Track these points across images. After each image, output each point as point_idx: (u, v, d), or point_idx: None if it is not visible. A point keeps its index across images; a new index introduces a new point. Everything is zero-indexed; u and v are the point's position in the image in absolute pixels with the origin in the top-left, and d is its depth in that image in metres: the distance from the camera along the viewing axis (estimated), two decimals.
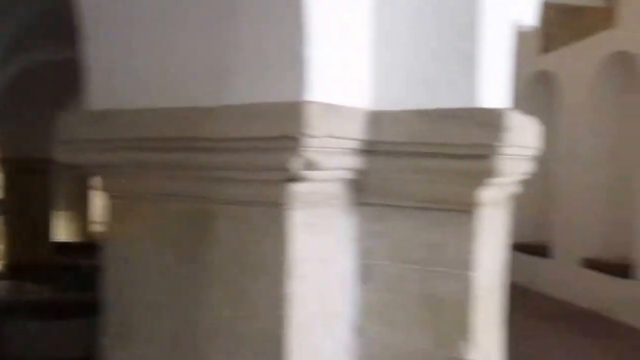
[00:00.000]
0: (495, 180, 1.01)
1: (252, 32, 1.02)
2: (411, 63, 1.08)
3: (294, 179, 0.96)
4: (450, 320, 1.06)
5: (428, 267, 1.08)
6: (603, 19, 5.48)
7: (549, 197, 6.38)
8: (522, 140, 1.07)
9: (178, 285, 1.15)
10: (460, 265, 1.04)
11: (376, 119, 1.03)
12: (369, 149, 1.05)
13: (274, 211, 1.00)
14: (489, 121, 0.94)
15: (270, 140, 0.95)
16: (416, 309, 1.09)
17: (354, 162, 1.06)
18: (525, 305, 5.67)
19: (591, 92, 5.63)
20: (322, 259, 1.07)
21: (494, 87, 1.18)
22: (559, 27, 6.20)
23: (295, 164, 0.93)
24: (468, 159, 0.98)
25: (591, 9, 5.63)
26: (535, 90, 6.77)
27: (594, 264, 5.45)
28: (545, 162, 6.41)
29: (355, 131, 1.02)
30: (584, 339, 4.51)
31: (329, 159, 0.97)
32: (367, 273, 1.14)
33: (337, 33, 1.03)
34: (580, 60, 5.80)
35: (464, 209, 1.03)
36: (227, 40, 1.05)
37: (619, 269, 5.09)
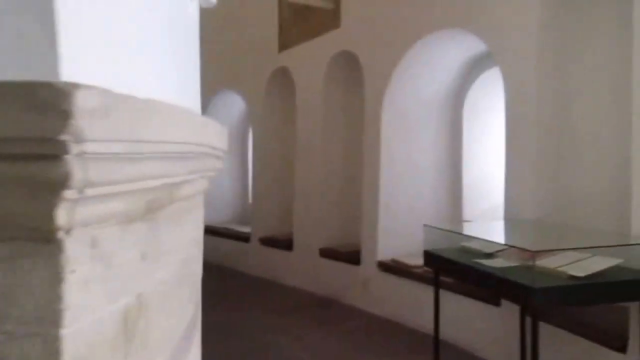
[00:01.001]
0: (85, 191, 0.69)
1: None
2: None
3: None
4: None
5: None
6: (331, 20, 5.76)
7: (293, 191, 6.54)
8: (135, 132, 0.78)
9: None
10: (42, 320, 0.70)
11: None
12: None
13: None
14: (52, 103, 0.61)
15: None
16: None
17: None
18: (266, 300, 5.71)
19: (321, 88, 5.90)
20: None
21: (114, 60, 0.87)
22: (295, 26, 6.38)
23: None
24: (29, 161, 0.64)
25: (321, 10, 5.88)
26: (277, 87, 6.90)
27: (330, 254, 5.72)
28: (290, 157, 6.60)
29: None
30: (315, 325, 4.65)
31: None
32: None
33: None
34: (311, 58, 6.03)
35: (43, 237, 0.69)
36: None
37: (351, 257, 5.41)
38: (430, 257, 3.13)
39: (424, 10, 4.58)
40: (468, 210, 5.12)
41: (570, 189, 3.40)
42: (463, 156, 5.16)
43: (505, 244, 2.55)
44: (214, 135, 1.51)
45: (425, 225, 3.26)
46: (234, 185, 8.48)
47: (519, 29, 3.69)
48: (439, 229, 3.09)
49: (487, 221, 4.58)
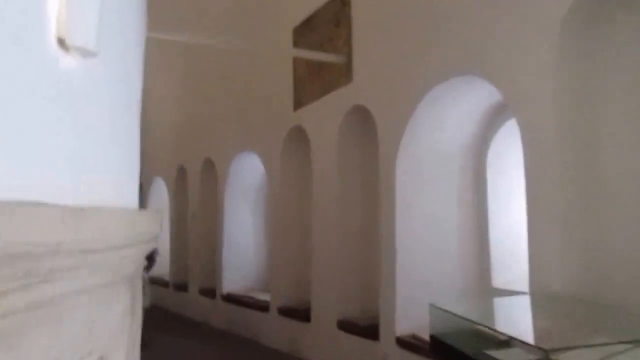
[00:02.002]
0: None
1: None
2: None
3: None
4: None
5: None
6: (344, 74, 5.47)
7: (310, 259, 6.10)
8: None
9: None
10: None
11: None
12: None
13: None
14: None
15: None
16: None
17: None
18: None
19: (336, 147, 5.54)
20: None
21: None
22: (309, 83, 6.13)
23: None
24: None
25: (334, 65, 5.61)
26: (293, 147, 6.60)
27: (348, 327, 5.19)
28: (306, 223, 6.19)
29: None
30: None
31: None
32: None
33: None
34: (325, 115, 5.72)
35: None
36: None
37: (369, 331, 4.86)
38: (436, 343, 2.61)
39: (435, 58, 4.21)
40: (497, 276, 4.53)
41: (605, 256, 2.84)
42: (489, 214, 4.62)
43: (512, 337, 2.03)
44: (55, 226, 1.14)
45: (431, 306, 2.75)
46: (257, 249, 8.11)
47: (533, 76, 3.25)
48: (445, 310, 2.57)
49: (512, 293, 3.98)
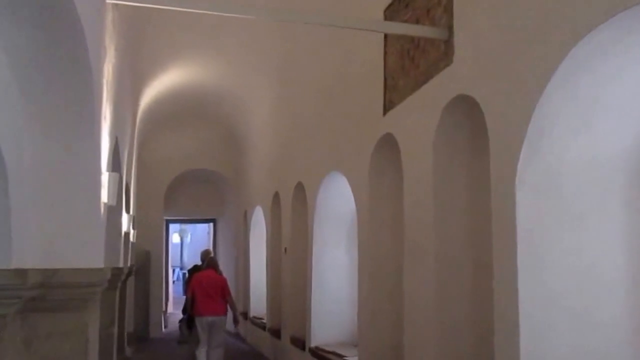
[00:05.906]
0: None
1: None
2: None
3: None
4: None
5: None
6: (442, 55, 3.88)
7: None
8: None
9: None
10: None
11: None
12: None
13: None
14: None
15: None
16: None
17: None
18: None
19: (431, 158, 3.88)
20: None
21: None
22: (402, 75, 4.59)
23: None
24: None
25: (432, 46, 4.04)
26: (383, 162, 5.05)
27: None
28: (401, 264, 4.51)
29: None
30: None
31: None
32: None
33: None
34: (418, 115, 4.13)
35: None
36: None
37: None
38: None
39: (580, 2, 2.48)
40: None
41: None
42: None
43: None
44: None
45: None
46: (352, 294, 6.56)
47: None
48: None
49: None
